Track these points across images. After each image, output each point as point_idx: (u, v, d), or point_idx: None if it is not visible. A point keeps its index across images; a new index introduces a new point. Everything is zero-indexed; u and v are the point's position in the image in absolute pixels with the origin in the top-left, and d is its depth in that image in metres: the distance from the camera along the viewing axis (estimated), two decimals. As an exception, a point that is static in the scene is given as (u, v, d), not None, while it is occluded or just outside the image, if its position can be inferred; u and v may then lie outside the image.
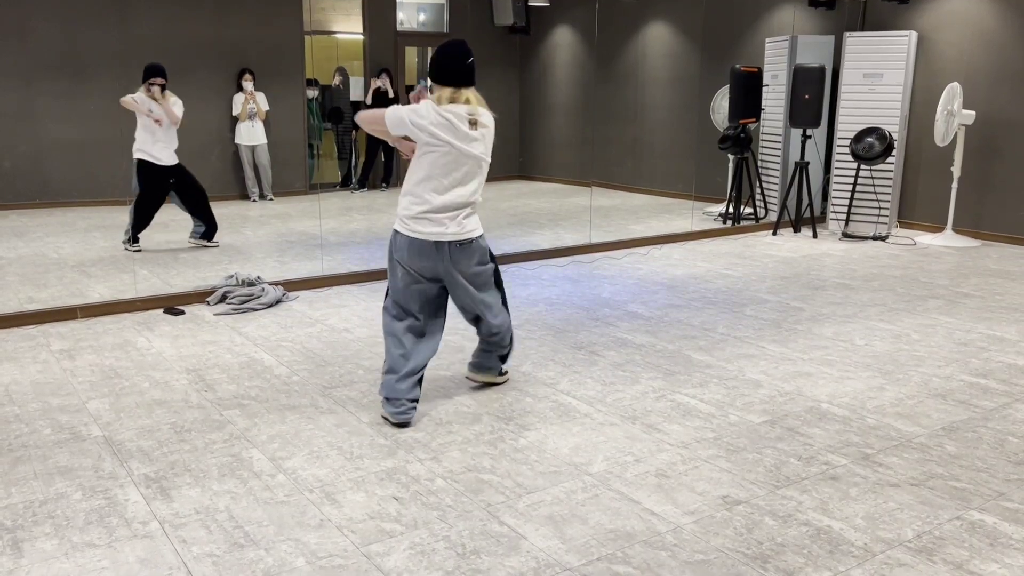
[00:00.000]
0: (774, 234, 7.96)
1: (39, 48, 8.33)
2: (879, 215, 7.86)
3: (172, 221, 6.98)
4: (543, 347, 4.46)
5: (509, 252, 6.72)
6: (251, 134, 9.19)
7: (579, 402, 3.69)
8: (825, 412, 3.59)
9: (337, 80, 10.47)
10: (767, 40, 8.65)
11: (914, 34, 7.70)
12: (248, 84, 9.12)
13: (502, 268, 6.33)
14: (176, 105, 6.76)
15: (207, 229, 6.87)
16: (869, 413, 3.58)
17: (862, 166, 7.73)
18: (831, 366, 4.19)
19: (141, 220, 6.55)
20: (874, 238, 7.68)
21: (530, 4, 10.66)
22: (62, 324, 4.82)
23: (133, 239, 6.58)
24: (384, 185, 10.52)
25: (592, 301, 5.42)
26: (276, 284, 5.45)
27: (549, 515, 2.72)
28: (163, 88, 6.68)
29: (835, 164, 8.08)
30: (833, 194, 8.12)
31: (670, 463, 3.10)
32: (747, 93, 8.12)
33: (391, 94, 10.37)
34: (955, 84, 7.14)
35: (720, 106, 8.89)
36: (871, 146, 7.48)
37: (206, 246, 6.87)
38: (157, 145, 6.63)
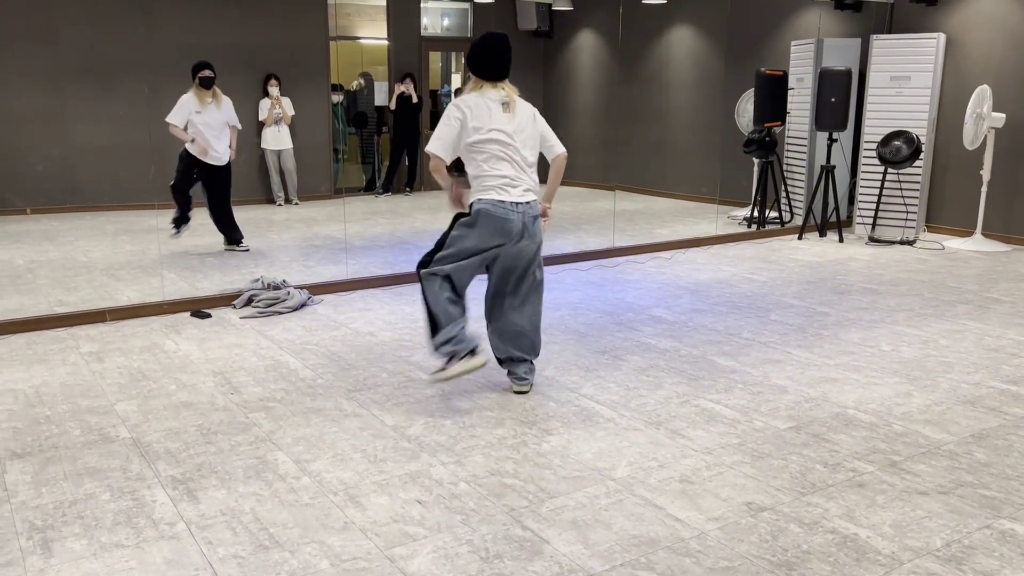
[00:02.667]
0: (799, 238, 7.90)
1: (69, 52, 8.46)
2: (906, 219, 7.77)
3: (199, 226, 7.05)
4: (566, 351, 4.45)
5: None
6: (277, 139, 9.27)
7: (602, 407, 3.68)
8: (852, 418, 3.56)
9: (357, 83, 10.50)
10: (793, 43, 8.59)
11: (942, 36, 7.61)
12: (274, 89, 9.20)
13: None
14: (228, 106, 6.88)
15: (228, 233, 6.95)
16: (896, 420, 3.54)
17: (889, 170, 7.64)
18: (858, 372, 4.14)
19: (178, 203, 6.71)
20: (901, 242, 7.59)
21: (554, 8, 10.66)
22: (91, 327, 4.89)
23: (175, 224, 6.79)
24: (408, 189, 10.56)
25: (616, 305, 5.40)
26: (301, 288, 5.49)
27: (572, 520, 2.71)
28: (212, 81, 6.77)
29: (862, 168, 8.00)
30: (860, 198, 8.04)
31: (694, 469, 3.08)
32: (772, 96, 8.06)
33: (415, 99, 10.42)
34: (984, 86, 7.05)
35: (745, 110, 8.84)
36: (898, 149, 7.40)
37: (235, 250, 6.94)
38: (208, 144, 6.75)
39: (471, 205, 3.57)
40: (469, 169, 3.62)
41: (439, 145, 3.55)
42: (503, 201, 3.51)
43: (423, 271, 3.61)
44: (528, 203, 3.57)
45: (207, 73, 6.74)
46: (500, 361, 3.86)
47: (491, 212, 3.50)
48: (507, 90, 3.64)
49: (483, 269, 3.68)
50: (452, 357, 3.56)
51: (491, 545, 2.56)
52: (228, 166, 6.87)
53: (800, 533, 2.63)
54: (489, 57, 3.62)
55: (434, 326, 3.60)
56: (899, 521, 2.70)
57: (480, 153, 3.55)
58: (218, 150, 6.75)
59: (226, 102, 6.86)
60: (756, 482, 2.97)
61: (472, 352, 3.56)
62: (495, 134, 3.54)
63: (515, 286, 3.70)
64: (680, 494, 2.89)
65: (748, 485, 2.95)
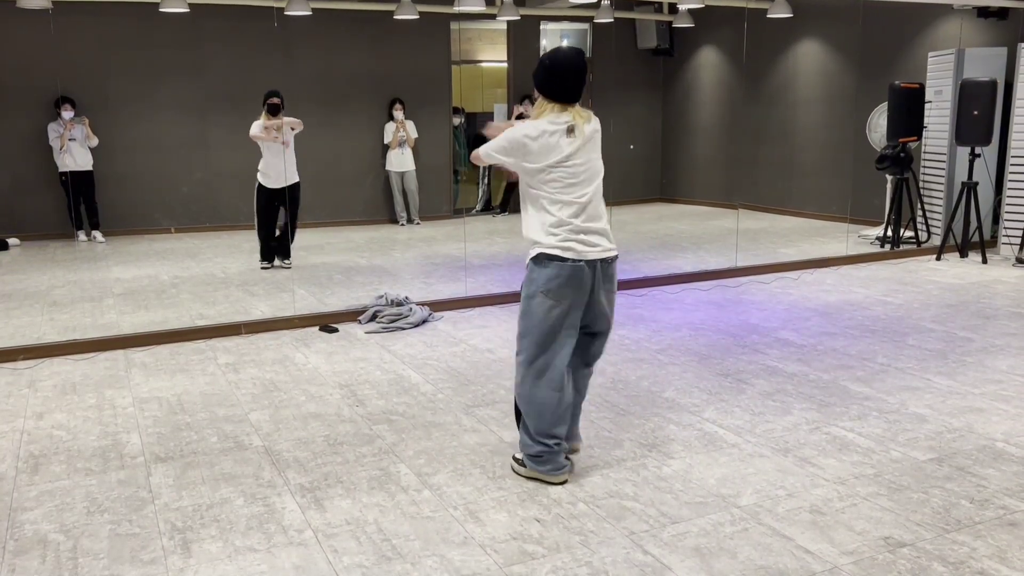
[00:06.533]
0: (938, 259, 7.45)
1: (213, 84, 9.02)
2: (1060, 239, 7.20)
3: (327, 244, 7.34)
4: (687, 373, 4.35)
5: (650, 275, 6.63)
6: (400, 161, 9.57)
7: (726, 431, 3.56)
8: (1001, 452, 3.30)
9: (459, 121, 10.63)
10: (930, 54, 8.16)
11: (1101, 42, 7.05)
12: (399, 113, 9.50)
13: (644, 291, 6.26)
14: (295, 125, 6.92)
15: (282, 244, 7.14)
16: (1053, 455, 3.26)
17: (1040, 186, 7.12)
18: (1007, 402, 3.85)
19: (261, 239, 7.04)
20: (1054, 264, 7.04)
21: (674, 26, 10.55)
22: (228, 339, 5.15)
23: (262, 257, 7.11)
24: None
25: (739, 327, 5.25)
26: (422, 304, 5.61)
27: (695, 547, 2.63)
28: (279, 108, 6.85)
29: (1008, 184, 7.49)
30: (1006, 216, 7.52)
31: (826, 499, 2.93)
32: (908, 110, 7.68)
33: (534, 119, 10.51)
34: None
35: (877, 124, 8.45)
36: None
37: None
38: (271, 168, 6.89)
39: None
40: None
41: None
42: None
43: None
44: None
45: (275, 100, 6.82)
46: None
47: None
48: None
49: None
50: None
51: (611, 568, 2.52)
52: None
53: (944, 573, 2.45)
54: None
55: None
56: (1059, 566, 2.48)
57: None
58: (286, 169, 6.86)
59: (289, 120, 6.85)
60: (894, 516, 2.80)
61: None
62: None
63: None
64: (811, 525, 2.75)
65: (885, 519, 2.78)
